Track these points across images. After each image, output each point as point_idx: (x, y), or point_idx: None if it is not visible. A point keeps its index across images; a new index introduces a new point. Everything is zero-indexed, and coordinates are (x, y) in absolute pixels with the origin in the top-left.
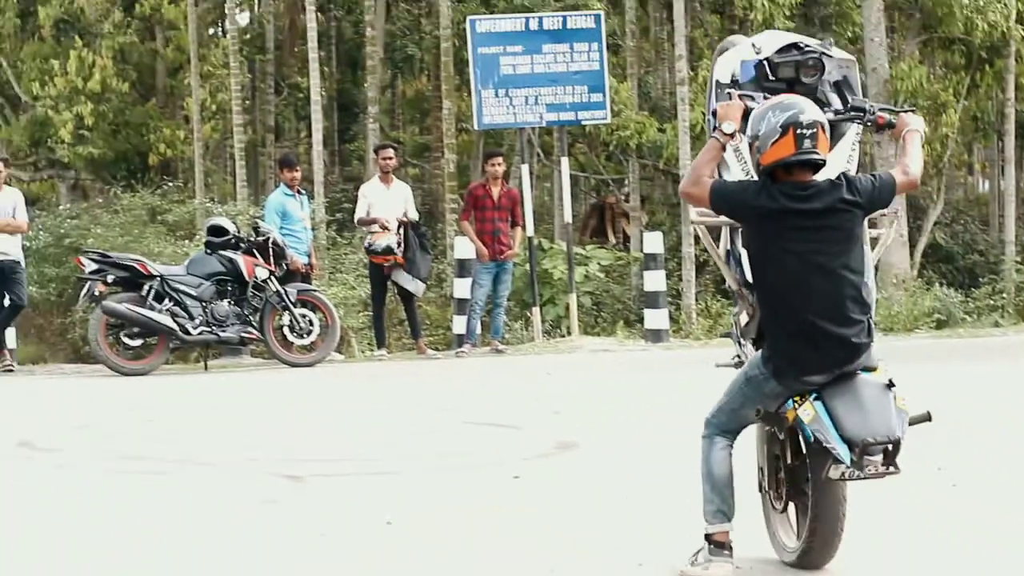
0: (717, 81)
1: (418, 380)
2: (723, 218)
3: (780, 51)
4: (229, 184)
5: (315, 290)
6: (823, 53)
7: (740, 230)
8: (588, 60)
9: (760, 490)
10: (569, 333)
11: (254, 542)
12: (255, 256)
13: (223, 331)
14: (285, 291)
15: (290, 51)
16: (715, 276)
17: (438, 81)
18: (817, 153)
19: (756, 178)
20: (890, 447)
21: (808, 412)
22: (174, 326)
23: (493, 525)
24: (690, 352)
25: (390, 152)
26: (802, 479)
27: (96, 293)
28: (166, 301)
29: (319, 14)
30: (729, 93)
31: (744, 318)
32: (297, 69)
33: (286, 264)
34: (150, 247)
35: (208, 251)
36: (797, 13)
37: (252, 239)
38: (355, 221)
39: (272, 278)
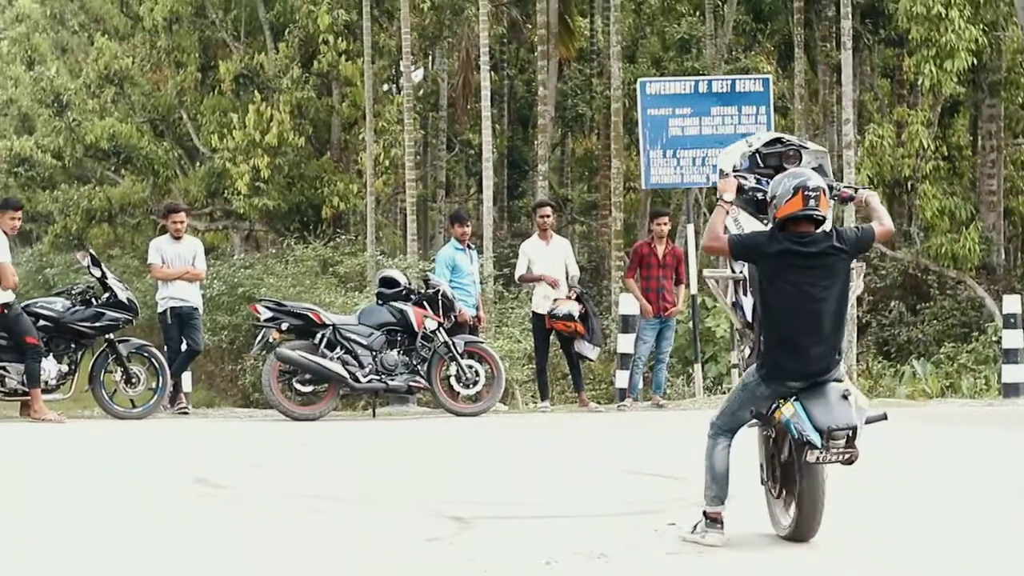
0: (721, 171)
1: (580, 432)
2: (729, 272)
3: (767, 144)
4: (399, 237)
5: (482, 342)
6: (801, 146)
7: (741, 283)
8: (756, 122)
9: (761, 483)
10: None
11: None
12: (425, 308)
13: (391, 380)
14: (453, 342)
15: (463, 108)
16: (877, 337)
17: (607, 140)
18: (819, 211)
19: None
20: (850, 433)
21: (789, 410)
22: (345, 374)
23: (648, 569)
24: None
25: (547, 210)
26: (792, 472)
27: (270, 340)
28: (337, 349)
29: (492, 73)
30: (725, 172)
31: (747, 351)
32: (469, 126)
33: (454, 316)
34: (321, 297)
35: (379, 302)
36: (965, 79)
37: (422, 291)
38: (516, 278)
39: (441, 329)
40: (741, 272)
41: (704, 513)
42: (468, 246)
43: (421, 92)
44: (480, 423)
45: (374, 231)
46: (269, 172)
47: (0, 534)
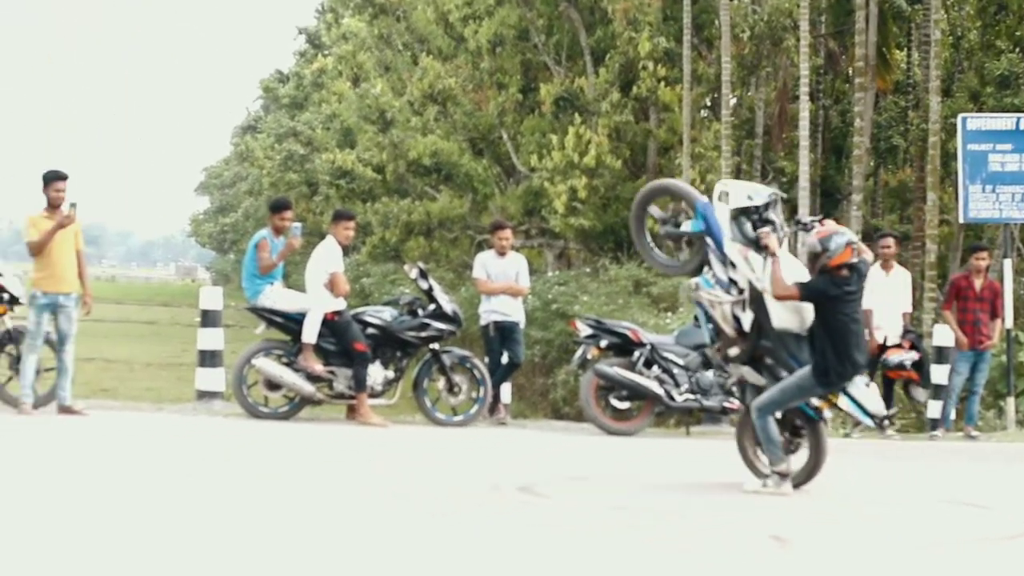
0: (766, 230)
1: (887, 459)
2: (727, 296)
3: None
4: None
5: None
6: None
7: (741, 303)
8: None
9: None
10: None
11: None
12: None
13: (706, 399)
14: None
15: (777, 136)
16: None
17: (921, 172)
18: (860, 259)
19: (757, 276)
20: (885, 420)
21: (842, 401)
22: (661, 392)
23: None
24: None
25: (889, 241)
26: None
27: (588, 357)
28: (654, 368)
29: (809, 102)
30: (763, 229)
31: (733, 351)
32: (783, 154)
33: None
34: (634, 317)
35: (696, 324)
36: None
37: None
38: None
39: None
40: (741, 295)
41: (774, 472)
42: None
43: (735, 119)
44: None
45: None
46: (586, 193)
47: (346, 529)
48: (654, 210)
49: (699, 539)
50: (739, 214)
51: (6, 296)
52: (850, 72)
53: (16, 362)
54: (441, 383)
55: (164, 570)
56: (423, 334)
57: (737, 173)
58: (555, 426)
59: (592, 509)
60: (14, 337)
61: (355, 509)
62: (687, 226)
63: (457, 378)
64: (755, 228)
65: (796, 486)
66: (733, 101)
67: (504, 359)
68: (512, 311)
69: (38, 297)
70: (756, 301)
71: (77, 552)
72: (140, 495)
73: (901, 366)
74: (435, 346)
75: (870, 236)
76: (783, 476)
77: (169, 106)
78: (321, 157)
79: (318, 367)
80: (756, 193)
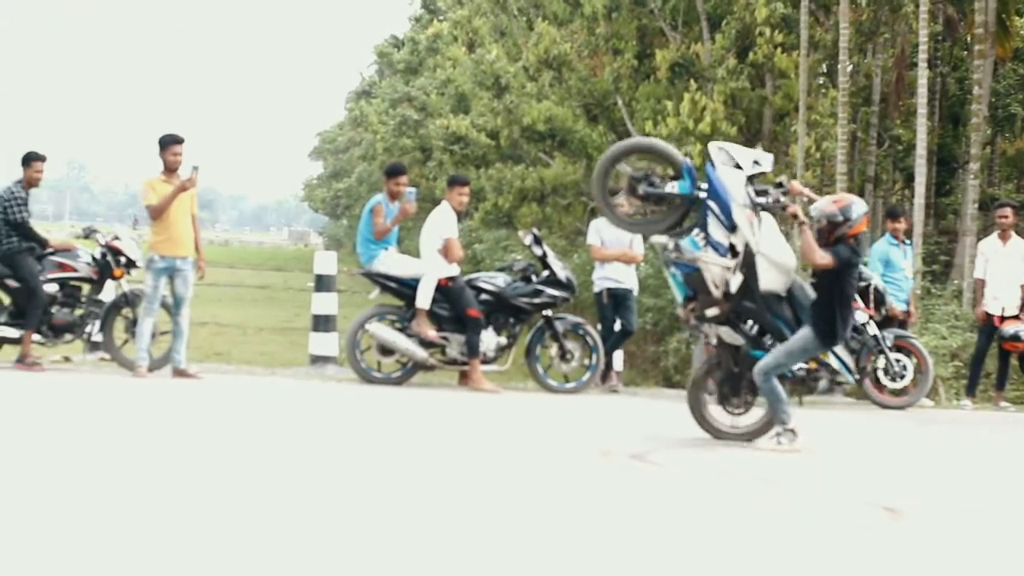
0: (786, 203)
1: (1002, 431)
2: (722, 260)
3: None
4: None
5: (911, 336)
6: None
7: (726, 267)
8: None
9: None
10: None
11: (852, 560)
12: (856, 300)
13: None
14: (882, 335)
15: (894, 104)
16: None
17: None
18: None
19: (756, 241)
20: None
21: (832, 359)
22: None
23: None
24: None
25: (1007, 211)
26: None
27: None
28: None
29: (927, 69)
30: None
31: (712, 312)
32: (900, 122)
33: (885, 310)
34: None
35: None
36: None
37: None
38: (975, 278)
39: (871, 322)
40: (735, 258)
41: (785, 429)
42: (902, 241)
43: (852, 86)
44: (904, 416)
45: None
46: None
47: (459, 494)
48: (625, 167)
49: (810, 510)
50: (749, 180)
51: (123, 259)
52: (969, 39)
53: (132, 325)
54: (553, 350)
55: (281, 532)
56: (536, 300)
57: (853, 141)
58: (667, 394)
59: (704, 477)
60: (130, 300)
61: (468, 474)
62: (673, 187)
63: (569, 345)
64: (758, 194)
65: (751, 440)
66: (850, 68)
67: (617, 326)
68: (625, 278)
69: (155, 261)
70: (748, 263)
71: (193, 514)
72: (256, 458)
73: (1017, 337)
74: (548, 313)
75: (987, 206)
76: (794, 432)
77: (284, 71)
78: (435, 122)
79: (431, 333)
80: (762, 159)
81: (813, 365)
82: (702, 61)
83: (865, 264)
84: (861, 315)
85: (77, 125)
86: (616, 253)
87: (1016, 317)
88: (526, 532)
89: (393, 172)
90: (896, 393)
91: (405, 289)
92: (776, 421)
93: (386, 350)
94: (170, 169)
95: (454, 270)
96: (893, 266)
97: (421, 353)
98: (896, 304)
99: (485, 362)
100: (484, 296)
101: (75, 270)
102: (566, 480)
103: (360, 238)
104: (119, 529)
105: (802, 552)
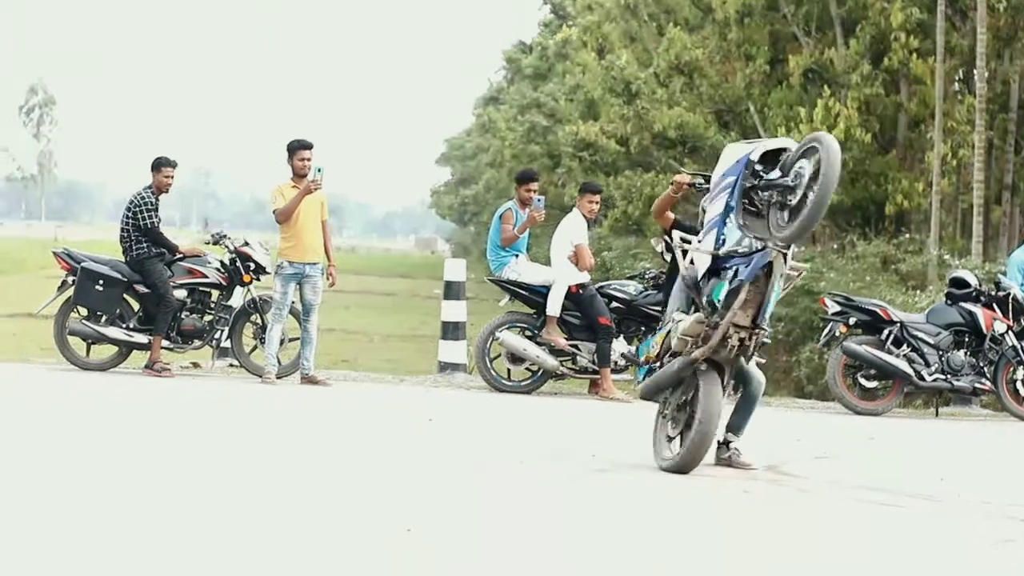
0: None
1: None
2: (709, 248)
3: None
4: (961, 238)
5: None
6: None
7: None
8: None
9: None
10: None
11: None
12: (994, 310)
13: (957, 380)
14: (1021, 346)
15: None
16: None
17: None
18: None
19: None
20: None
21: None
22: (910, 371)
23: None
24: None
25: None
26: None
27: (836, 334)
28: (904, 347)
29: None
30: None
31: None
32: None
33: None
34: (882, 294)
35: (948, 302)
36: None
37: (993, 293)
38: None
39: (1010, 333)
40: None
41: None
42: None
43: (989, 93)
44: None
45: (937, 231)
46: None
47: (591, 502)
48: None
49: (953, 520)
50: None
51: (252, 265)
52: None
53: (261, 331)
54: None
55: (412, 535)
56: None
57: (989, 148)
58: (800, 404)
59: (843, 489)
60: (259, 306)
61: (596, 482)
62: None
63: None
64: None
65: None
66: (987, 74)
67: None
68: None
69: (285, 267)
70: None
71: (321, 518)
72: (387, 466)
73: None
74: None
75: None
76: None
77: (412, 77)
78: (564, 129)
79: (561, 341)
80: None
81: None
82: (836, 67)
83: (1004, 274)
84: (1000, 325)
85: (204, 132)
86: None
87: None
88: (663, 541)
89: (525, 178)
90: None
91: (535, 296)
92: None
93: (516, 358)
94: (299, 175)
95: (584, 277)
96: None
97: (551, 361)
98: None
99: (616, 371)
100: (615, 304)
101: (204, 276)
102: (701, 490)
103: (490, 245)
104: (251, 533)
105: (944, 569)
